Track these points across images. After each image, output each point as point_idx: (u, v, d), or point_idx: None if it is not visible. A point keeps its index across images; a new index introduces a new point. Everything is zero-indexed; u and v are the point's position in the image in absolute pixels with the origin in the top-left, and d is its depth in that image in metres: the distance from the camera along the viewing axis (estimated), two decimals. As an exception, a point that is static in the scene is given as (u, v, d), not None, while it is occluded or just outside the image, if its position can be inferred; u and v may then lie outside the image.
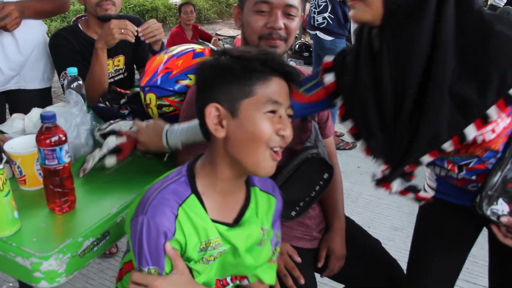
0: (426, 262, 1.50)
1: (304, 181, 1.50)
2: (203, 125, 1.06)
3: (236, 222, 1.12)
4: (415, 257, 1.56)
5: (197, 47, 1.68)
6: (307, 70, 1.69)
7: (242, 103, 1.00)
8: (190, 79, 1.60)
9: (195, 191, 1.05)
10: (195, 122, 1.31)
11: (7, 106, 2.32)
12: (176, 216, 1.00)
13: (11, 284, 2.27)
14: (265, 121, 1.00)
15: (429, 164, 1.20)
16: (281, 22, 1.40)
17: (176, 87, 1.60)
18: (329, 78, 1.23)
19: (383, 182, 1.17)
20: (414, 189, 1.17)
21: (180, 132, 1.36)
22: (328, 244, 1.59)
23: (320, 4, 4.04)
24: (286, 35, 1.44)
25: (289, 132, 1.04)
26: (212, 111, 1.01)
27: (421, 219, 1.54)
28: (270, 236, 1.23)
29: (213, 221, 1.07)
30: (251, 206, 1.15)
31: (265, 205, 1.19)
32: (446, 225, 1.44)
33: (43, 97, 2.27)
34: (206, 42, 1.79)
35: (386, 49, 1.02)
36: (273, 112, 1.01)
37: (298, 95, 1.26)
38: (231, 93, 1.00)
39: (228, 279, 1.19)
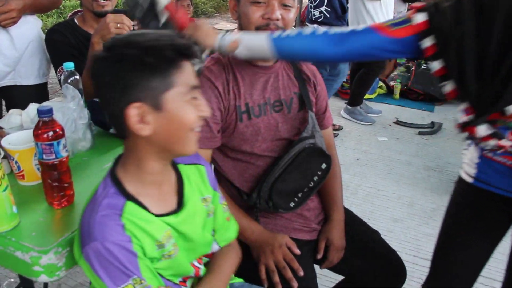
0: (456, 251, 1.48)
1: (302, 172, 1.50)
2: (119, 126, 1.01)
3: (180, 205, 1.12)
4: (443, 244, 1.54)
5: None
6: (313, 65, 1.68)
7: (164, 96, 0.97)
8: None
9: (128, 197, 1.03)
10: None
11: (3, 102, 2.31)
12: (123, 226, 0.98)
13: (12, 280, 2.26)
14: (189, 108, 1.00)
15: (485, 138, 1.20)
16: (278, 13, 1.39)
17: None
18: (420, 17, 1.21)
19: (468, 126, 1.19)
20: (498, 136, 1.18)
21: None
22: (327, 235, 1.59)
23: (316, -2, 4.04)
24: (283, 25, 1.43)
25: (208, 109, 1.06)
26: (133, 112, 0.96)
27: (454, 206, 1.51)
28: (217, 201, 1.25)
29: (159, 215, 1.06)
30: (186, 183, 1.16)
31: (197, 176, 1.21)
32: (480, 215, 1.42)
33: (39, 93, 2.25)
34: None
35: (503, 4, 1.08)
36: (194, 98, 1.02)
37: (383, 28, 1.25)
38: (151, 88, 0.96)
39: (196, 263, 1.20)
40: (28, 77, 2.21)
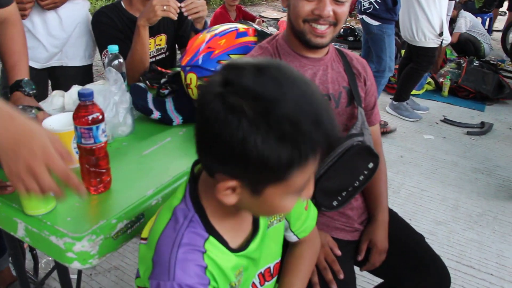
0: None
1: (348, 170, 1.43)
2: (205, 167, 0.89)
3: (256, 229, 1.03)
4: None
5: (241, 27, 1.62)
6: (364, 59, 1.60)
7: (269, 187, 0.80)
8: (232, 60, 1.54)
9: (211, 230, 0.93)
10: None
11: (49, 83, 2.34)
12: (206, 267, 0.91)
13: (50, 259, 2.30)
14: (290, 200, 0.86)
15: None
16: (329, 9, 1.31)
17: (218, 67, 1.54)
18: None
19: None
20: None
21: None
22: (370, 236, 1.52)
23: (366, -12, 3.92)
24: (335, 20, 1.35)
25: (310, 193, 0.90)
26: (225, 185, 0.81)
27: None
28: None
29: (236, 251, 0.97)
30: None
31: None
32: None
33: (84, 74, 2.27)
34: (250, 22, 1.73)
35: None
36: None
37: None
38: (258, 174, 0.77)
39: (256, 282, 1.13)
40: (74, 58, 2.23)
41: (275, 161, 0.73)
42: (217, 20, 4.91)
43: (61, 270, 1.31)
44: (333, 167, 1.39)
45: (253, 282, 1.11)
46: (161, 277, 0.88)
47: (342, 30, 7.11)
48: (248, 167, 0.75)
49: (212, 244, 0.93)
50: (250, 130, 0.72)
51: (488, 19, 7.54)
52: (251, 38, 1.59)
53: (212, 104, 0.75)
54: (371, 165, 1.46)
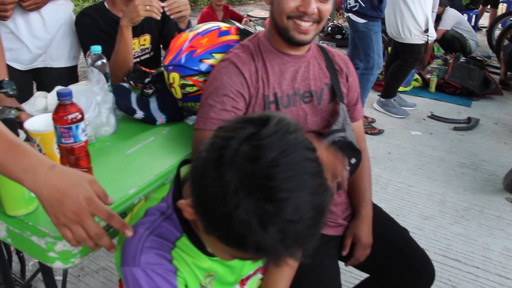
0: None
1: None
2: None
3: None
4: None
5: (223, 25, 1.62)
6: (346, 56, 1.61)
7: (213, 237, 0.81)
8: (215, 58, 1.55)
9: (187, 230, 0.95)
10: None
11: (35, 85, 2.33)
12: (171, 260, 0.94)
13: (37, 261, 2.29)
14: (228, 257, 0.89)
15: None
16: (314, 6, 1.32)
17: (201, 66, 1.55)
18: None
19: None
20: None
21: None
22: (354, 231, 1.54)
23: (352, -14, 3.94)
24: (319, 18, 1.36)
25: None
26: (184, 204, 0.86)
27: None
28: None
29: (212, 256, 0.99)
30: None
31: None
32: None
33: (69, 75, 2.27)
34: (233, 21, 1.73)
35: None
36: None
37: None
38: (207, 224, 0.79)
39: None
40: (59, 60, 2.22)
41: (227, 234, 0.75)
42: (204, 20, 4.90)
43: (45, 271, 1.31)
44: (315, 163, 1.39)
45: None
46: (127, 263, 0.92)
47: (329, 28, 7.16)
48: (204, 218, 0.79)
49: (183, 244, 0.95)
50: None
51: (474, 16, 7.60)
52: (233, 37, 1.60)
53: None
54: (353, 160, 1.47)
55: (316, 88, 1.47)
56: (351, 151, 1.46)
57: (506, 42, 6.14)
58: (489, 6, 7.97)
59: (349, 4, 3.99)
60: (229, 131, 0.76)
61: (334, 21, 7.60)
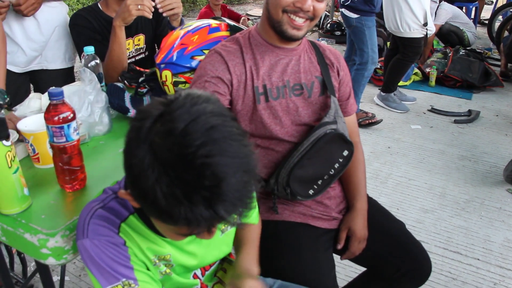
0: None
1: (322, 158, 1.45)
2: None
3: None
4: None
5: (213, 22, 1.63)
6: (337, 50, 1.62)
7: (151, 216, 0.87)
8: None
9: (136, 209, 0.97)
10: None
11: (31, 87, 2.35)
12: (117, 233, 0.95)
13: (39, 262, 2.31)
14: (173, 236, 0.91)
15: None
16: (310, 3, 1.33)
17: (192, 63, 1.56)
18: None
19: None
20: None
21: None
22: (349, 225, 1.54)
23: (344, -19, 3.93)
24: (313, 15, 1.37)
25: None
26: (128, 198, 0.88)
27: None
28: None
29: (165, 237, 1.00)
30: None
31: None
32: None
33: (65, 77, 2.29)
34: (223, 18, 1.74)
35: None
36: None
37: None
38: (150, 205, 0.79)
39: (198, 273, 1.18)
40: (54, 61, 2.24)
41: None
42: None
43: (42, 269, 1.32)
44: (307, 156, 1.41)
45: (195, 273, 1.17)
46: (78, 236, 0.94)
47: (329, 25, 7.16)
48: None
49: (132, 222, 0.97)
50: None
51: (474, 8, 7.57)
52: (223, 33, 1.61)
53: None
54: (346, 152, 1.48)
55: (306, 81, 1.48)
56: (343, 142, 1.47)
57: (506, 33, 6.12)
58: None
59: (343, -2, 3.99)
60: (144, 112, 0.78)
61: (333, 18, 7.60)
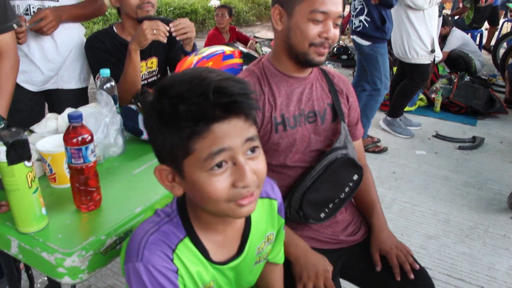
0: None
1: (334, 182, 1.50)
2: None
3: (241, 249, 1.08)
4: None
5: (227, 49, 1.68)
6: (345, 77, 1.67)
7: (185, 163, 0.87)
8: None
9: (190, 233, 0.98)
10: None
11: (46, 105, 2.40)
12: (172, 260, 0.95)
13: (46, 278, 2.33)
14: (213, 180, 0.86)
15: None
16: (333, 31, 1.40)
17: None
18: None
19: None
20: None
21: None
22: (377, 246, 1.55)
23: (356, 7, 3.99)
24: (332, 43, 1.44)
25: (248, 178, 0.88)
26: (161, 173, 0.92)
27: None
28: (281, 229, 1.23)
29: (214, 263, 1.02)
30: (252, 225, 1.10)
31: (267, 212, 1.15)
32: None
33: (80, 97, 2.34)
34: (235, 44, 1.79)
35: None
36: (219, 166, 0.85)
37: None
38: (171, 152, 0.86)
39: None
40: (70, 81, 2.29)
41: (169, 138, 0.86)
42: (211, 41, 5.00)
43: (54, 287, 1.35)
44: (319, 180, 1.45)
45: None
46: (130, 259, 0.93)
47: (335, 48, 7.23)
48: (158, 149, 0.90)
49: (186, 246, 0.98)
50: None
51: (478, 35, 7.66)
52: (237, 60, 1.66)
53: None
54: (355, 177, 1.53)
55: (319, 108, 1.53)
56: (353, 167, 1.52)
57: (510, 60, 6.17)
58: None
59: (354, 24, 4.05)
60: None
61: (340, 42, 7.69)
